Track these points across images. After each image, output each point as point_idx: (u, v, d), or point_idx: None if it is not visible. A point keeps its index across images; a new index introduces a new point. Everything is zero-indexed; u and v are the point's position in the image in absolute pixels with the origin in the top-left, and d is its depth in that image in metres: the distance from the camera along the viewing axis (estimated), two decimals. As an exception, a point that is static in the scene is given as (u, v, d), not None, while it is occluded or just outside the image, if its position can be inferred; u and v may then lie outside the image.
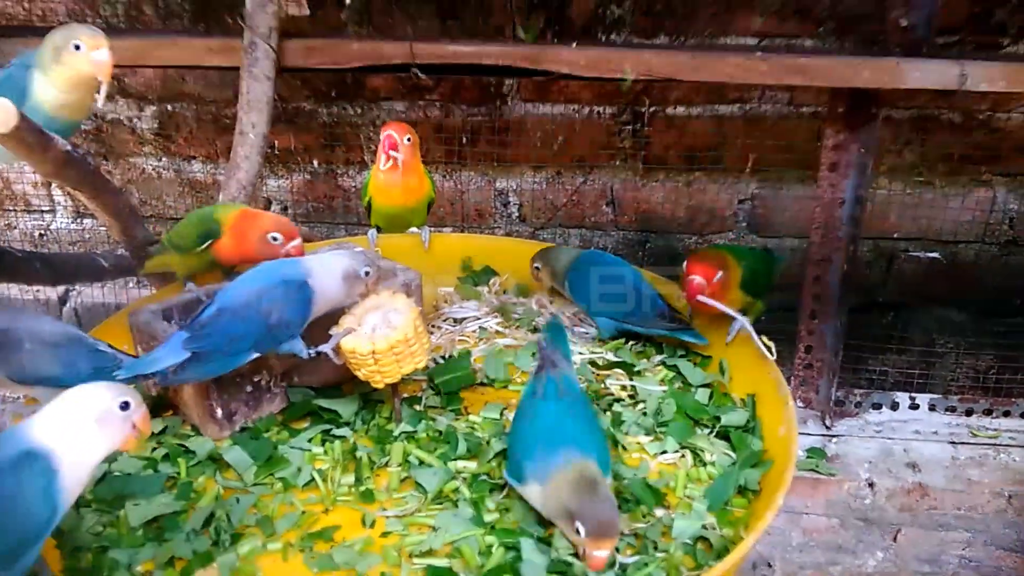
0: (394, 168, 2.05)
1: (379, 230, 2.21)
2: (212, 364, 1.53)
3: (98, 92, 1.64)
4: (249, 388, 1.68)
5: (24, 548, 1.14)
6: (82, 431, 1.18)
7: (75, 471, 1.18)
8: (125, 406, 1.21)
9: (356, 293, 1.62)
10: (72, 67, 1.59)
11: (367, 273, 1.60)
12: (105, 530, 1.44)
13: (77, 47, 1.58)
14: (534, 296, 2.18)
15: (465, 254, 2.28)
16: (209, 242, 1.80)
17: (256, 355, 1.56)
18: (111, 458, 1.54)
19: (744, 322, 1.86)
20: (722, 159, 2.68)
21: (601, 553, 1.24)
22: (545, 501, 1.34)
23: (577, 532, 1.25)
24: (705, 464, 1.60)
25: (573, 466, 1.32)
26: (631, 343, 1.97)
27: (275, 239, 1.74)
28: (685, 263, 1.81)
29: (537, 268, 2.11)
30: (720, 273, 1.78)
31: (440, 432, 1.66)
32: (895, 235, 2.71)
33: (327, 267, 1.58)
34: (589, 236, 2.86)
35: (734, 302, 1.84)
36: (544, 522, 1.41)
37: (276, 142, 2.82)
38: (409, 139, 2.02)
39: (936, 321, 2.78)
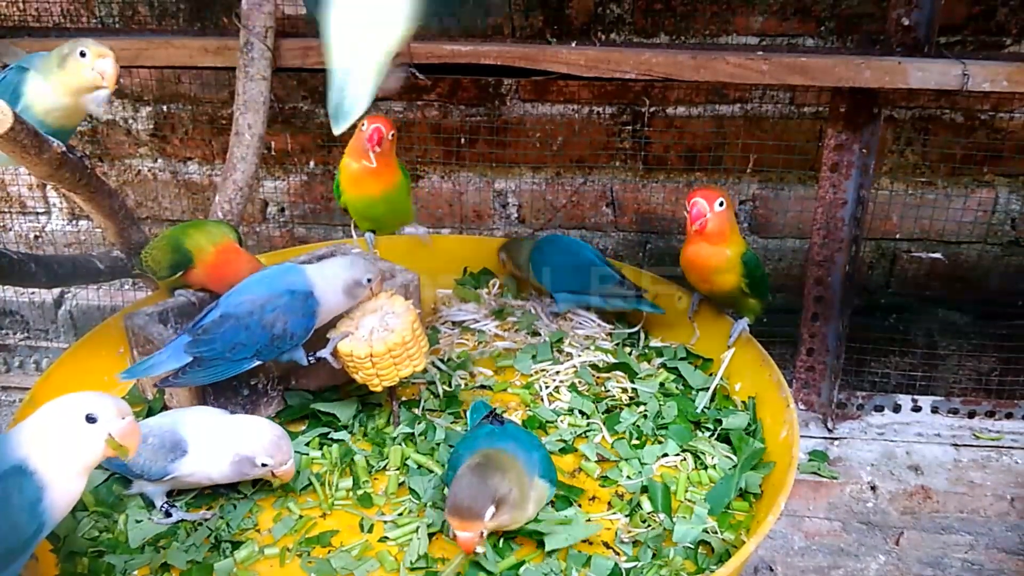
0: (375, 161, 1.97)
1: (374, 233, 2.18)
2: (214, 369, 1.52)
3: (96, 99, 1.63)
4: (246, 391, 1.67)
5: (9, 559, 1.12)
6: (55, 445, 1.15)
7: (61, 486, 1.16)
8: (92, 419, 1.17)
9: (359, 300, 1.61)
10: (75, 73, 1.58)
11: (369, 280, 1.59)
12: (101, 535, 1.44)
13: (83, 54, 1.58)
14: (533, 298, 2.17)
15: (463, 256, 2.27)
16: (181, 272, 1.78)
17: (258, 362, 1.55)
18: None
19: (744, 324, 1.85)
20: (722, 159, 2.67)
21: (461, 534, 1.24)
22: None
23: None
24: (706, 467, 1.59)
25: (475, 454, 1.33)
26: (631, 349, 1.96)
27: None
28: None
29: (503, 260, 2.18)
30: (722, 199, 1.73)
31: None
32: (897, 236, 2.70)
33: (330, 278, 1.57)
34: (589, 237, 2.85)
35: (732, 270, 1.78)
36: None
37: (272, 143, 2.80)
38: (393, 135, 1.97)
39: (938, 323, 2.76)
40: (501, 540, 1.39)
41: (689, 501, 1.50)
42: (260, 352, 1.53)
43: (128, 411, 1.21)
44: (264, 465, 1.42)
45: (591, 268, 1.98)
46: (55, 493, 1.15)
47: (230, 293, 1.56)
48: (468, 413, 1.68)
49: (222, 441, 1.44)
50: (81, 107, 1.66)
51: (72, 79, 1.59)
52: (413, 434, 1.66)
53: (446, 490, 1.47)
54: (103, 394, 1.21)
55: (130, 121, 2.84)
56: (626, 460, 1.60)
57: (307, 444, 1.64)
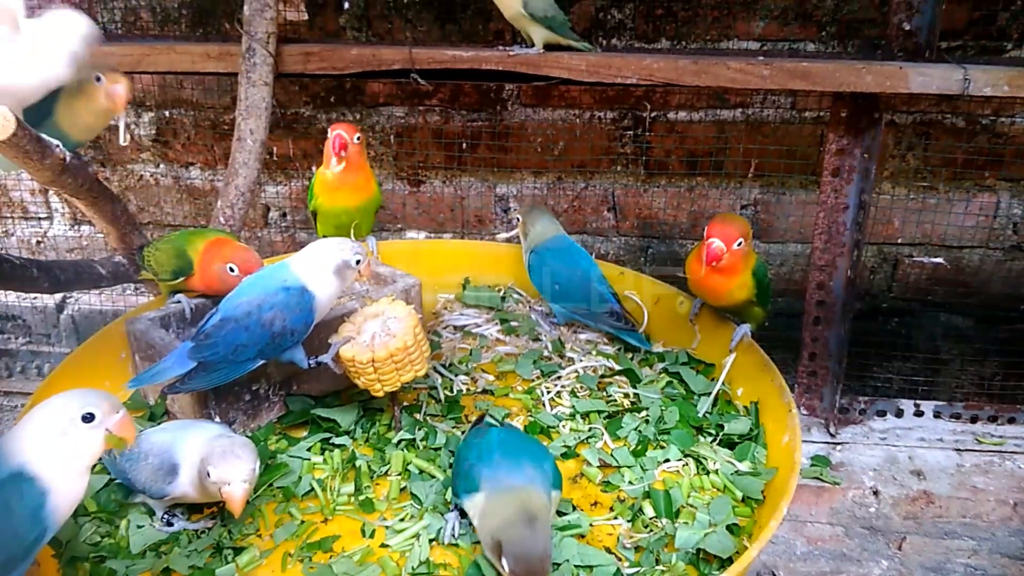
0: (345, 167, 1.99)
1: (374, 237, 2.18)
2: (218, 373, 1.53)
3: (116, 123, 1.85)
4: (248, 397, 1.67)
5: (11, 567, 1.12)
6: (54, 448, 1.15)
7: (63, 489, 1.15)
8: (89, 417, 1.17)
9: (350, 282, 1.61)
10: (92, 96, 1.71)
11: (358, 262, 1.58)
12: (103, 540, 1.43)
13: (98, 79, 1.71)
14: (534, 303, 2.17)
15: (465, 261, 2.27)
16: (182, 278, 1.79)
17: (262, 361, 1.55)
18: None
19: (746, 329, 1.85)
20: (724, 164, 2.67)
21: None
22: (482, 518, 1.30)
23: (504, 569, 1.23)
24: (708, 472, 1.59)
25: (516, 493, 1.29)
26: (632, 354, 1.96)
27: (232, 270, 1.70)
28: (706, 226, 1.73)
29: (518, 219, 2.13)
30: (742, 240, 1.71)
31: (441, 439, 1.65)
32: (899, 240, 2.70)
33: (319, 265, 1.56)
34: (591, 242, 2.85)
35: (743, 287, 1.79)
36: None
37: (275, 148, 2.81)
38: (358, 138, 1.98)
39: (940, 327, 2.76)
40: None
41: (691, 506, 1.50)
42: (263, 351, 1.53)
43: (119, 403, 1.21)
44: (208, 475, 1.33)
45: (588, 288, 1.97)
46: (57, 497, 1.15)
47: (228, 297, 1.57)
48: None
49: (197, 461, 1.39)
50: (98, 123, 1.79)
51: (90, 102, 1.72)
52: (415, 439, 1.65)
53: (448, 494, 1.47)
54: (93, 391, 1.21)
55: (132, 126, 2.85)
56: (628, 465, 1.60)
57: (309, 449, 1.64)
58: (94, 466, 1.53)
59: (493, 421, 1.60)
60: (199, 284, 1.78)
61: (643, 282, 2.10)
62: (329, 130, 1.97)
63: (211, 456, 1.34)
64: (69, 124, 1.72)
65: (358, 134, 1.98)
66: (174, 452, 1.41)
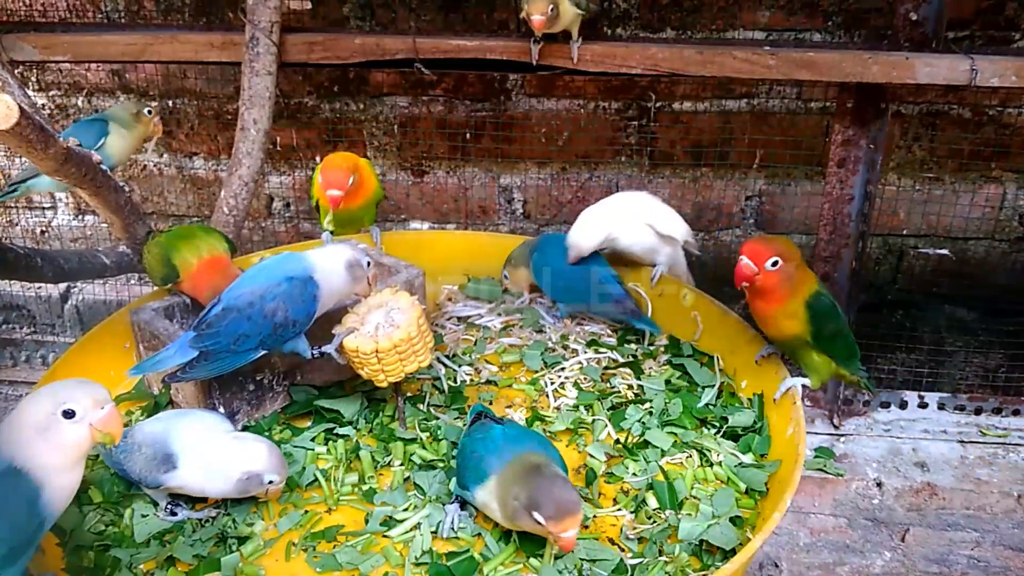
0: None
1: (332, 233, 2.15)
2: (220, 362, 1.52)
3: (148, 142, 2.43)
4: (251, 387, 1.67)
5: (15, 556, 1.13)
6: (37, 444, 1.13)
7: (57, 482, 1.15)
8: (70, 414, 1.14)
9: (359, 286, 1.61)
10: (146, 125, 2.25)
11: (368, 264, 1.59)
12: (107, 529, 1.44)
13: (149, 112, 2.24)
14: (537, 296, 2.16)
15: (469, 252, 2.26)
16: (171, 284, 1.82)
17: (264, 352, 1.55)
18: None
19: (793, 383, 1.65)
20: (729, 155, 2.66)
21: (569, 534, 1.23)
22: (499, 495, 1.33)
23: (538, 522, 1.25)
24: (712, 464, 1.59)
25: (517, 458, 1.34)
26: (636, 346, 1.96)
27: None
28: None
29: (506, 277, 2.13)
30: (778, 260, 1.50)
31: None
32: (904, 232, 2.69)
33: (330, 260, 1.57)
34: (594, 233, 2.84)
35: (792, 318, 1.56)
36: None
37: (278, 138, 2.80)
38: (352, 180, 1.89)
39: (945, 319, 2.75)
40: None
41: (695, 498, 1.50)
42: (264, 342, 1.53)
43: (106, 398, 1.18)
44: (271, 482, 1.43)
45: (591, 279, 1.96)
46: (52, 488, 1.14)
47: (231, 287, 1.57)
48: (469, 415, 1.68)
49: (219, 460, 1.42)
50: (136, 148, 2.33)
51: (144, 129, 2.25)
52: (418, 430, 1.66)
53: (452, 484, 1.47)
54: (79, 384, 1.18)
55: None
56: (632, 457, 1.60)
57: (312, 439, 1.64)
58: (96, 455, 1.55)
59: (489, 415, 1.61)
60: (189, 292, 1.81)
61: (645, 274, 2.10)
62: (320, 173, 1.92)
63: (270, 468, 1.43)
64: (115, 150, 2.19)
65: (352, 176, 1.90)
66: (170, 443, 1.42)
